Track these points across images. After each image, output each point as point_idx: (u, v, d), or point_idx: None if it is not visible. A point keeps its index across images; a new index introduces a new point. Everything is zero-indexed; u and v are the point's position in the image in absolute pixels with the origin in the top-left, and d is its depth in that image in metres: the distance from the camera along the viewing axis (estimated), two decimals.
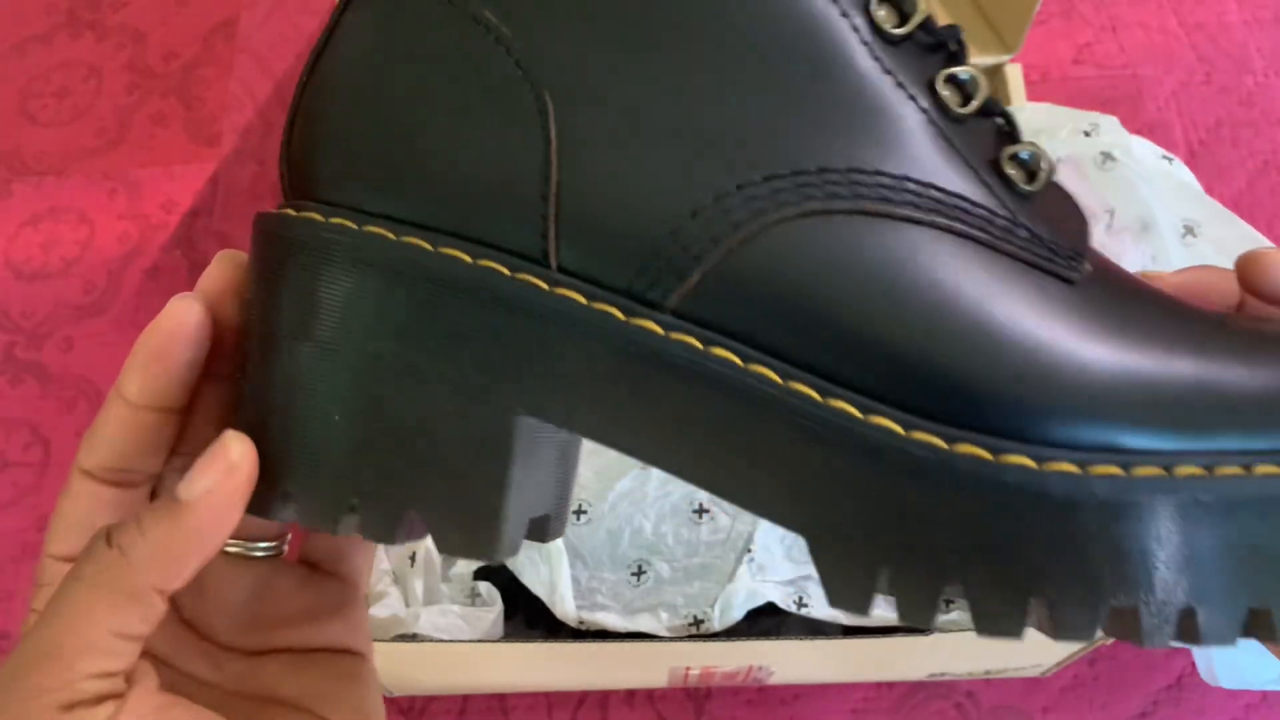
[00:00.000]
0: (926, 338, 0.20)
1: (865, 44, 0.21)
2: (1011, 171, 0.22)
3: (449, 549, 0.22)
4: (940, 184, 0.21)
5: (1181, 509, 0.19)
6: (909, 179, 0.21)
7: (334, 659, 0.25)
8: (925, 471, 0.20)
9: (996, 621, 0.19)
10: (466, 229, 0.21)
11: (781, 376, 0.20)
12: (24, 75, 0.71)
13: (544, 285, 0.21)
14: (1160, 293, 0.23)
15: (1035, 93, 0.62)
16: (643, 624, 0.46)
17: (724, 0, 0.21)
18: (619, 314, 0.21)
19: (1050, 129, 0.49)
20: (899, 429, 0.20)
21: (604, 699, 0.52)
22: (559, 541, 0.49)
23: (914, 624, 0.20)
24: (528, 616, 0.49)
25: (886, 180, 0.21)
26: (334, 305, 0.21)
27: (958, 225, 0.21)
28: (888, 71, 0.21)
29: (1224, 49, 0.68)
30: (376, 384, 0.21)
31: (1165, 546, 0.19)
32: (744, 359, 0.21)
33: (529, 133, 0.21)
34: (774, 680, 0.50)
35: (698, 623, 0.46)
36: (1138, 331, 0.21)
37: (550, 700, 0.53)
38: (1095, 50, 0.69)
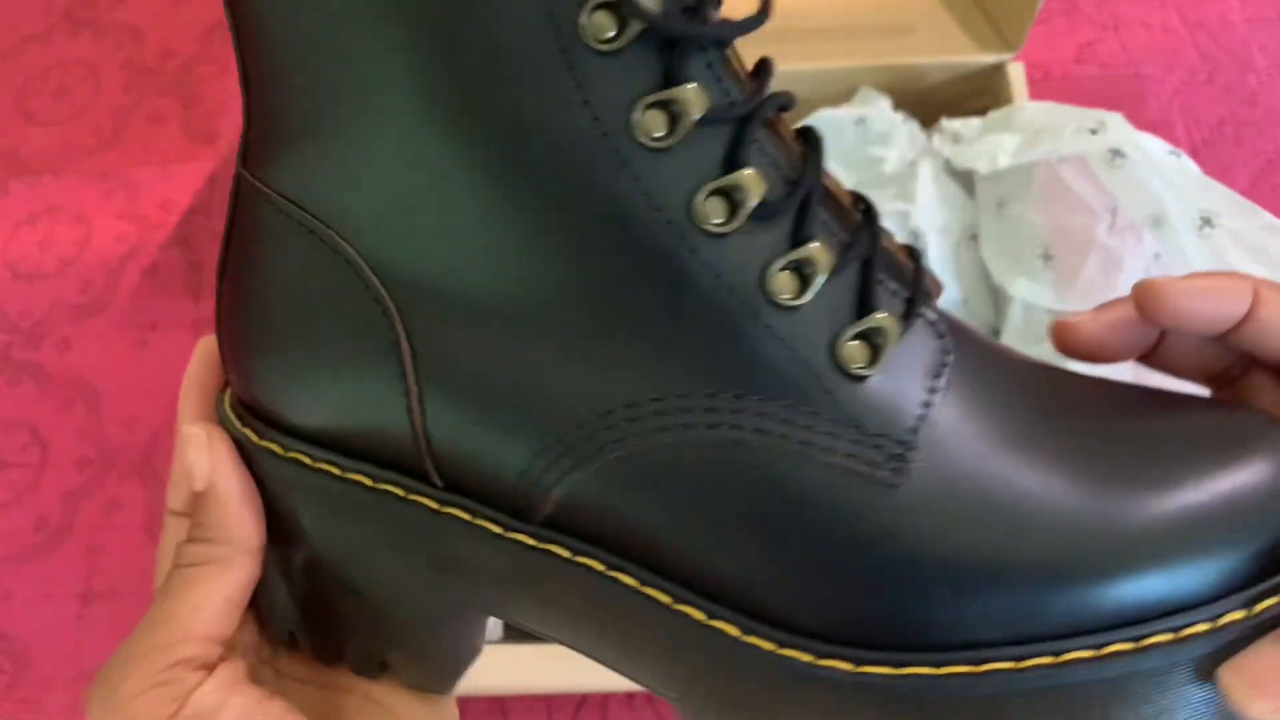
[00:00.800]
0: (748, 562, 0.22)
1: (691, 250, 0.21)
2: (851, 351, 0.21)
3: (413, 688, 0.27)
4: (763, 395, 0.21)
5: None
6: (731, 395, 0.21)
7: None
8: (752, 664, 0.22)
9: None
10: (363, 452, 0.24)
11: (640, 582, 0.22)
12: (21, 74, 0.71)
13: (434, 505, 0.23)
14: (1014, 430, 0.21)
15: (1037, 91, 0.62)
16: None
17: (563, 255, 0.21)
18: (497, 529, 0.23)
19: (1055, 128, 0.49)
20: (736, 632, 0.22)
21: (604, 701, 0.52)
22: None
23: None
24: None
25: (706, 404, 0.21)
26: (281, 516, 0.25)
27: (774, 443, 0.21)
28: (716, 276, 0.21)
29: (1227, 48, 0.68)
30: (333, 574, 0.25)
31: None
32: (608, 566, 0.23)
33: (395, 389, 0.23)
34: None
35: None
36: (969, 529, 0.21)
37: (550, 703, 0.52)
38: (1097, 49, 0.68)
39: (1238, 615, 0.19)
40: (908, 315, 0.22)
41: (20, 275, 0.64)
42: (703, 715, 0.23)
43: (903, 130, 0.55)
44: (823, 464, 0.21)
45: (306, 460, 0.24)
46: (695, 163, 0.21)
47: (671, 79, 0.20)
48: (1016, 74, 0.56)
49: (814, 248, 0.21)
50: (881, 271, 0.22)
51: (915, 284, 0.22)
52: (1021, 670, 0.20)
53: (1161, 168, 0.45)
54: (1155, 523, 0.20)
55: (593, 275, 0.21)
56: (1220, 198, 0.43)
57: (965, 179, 0.54)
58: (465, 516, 0.23)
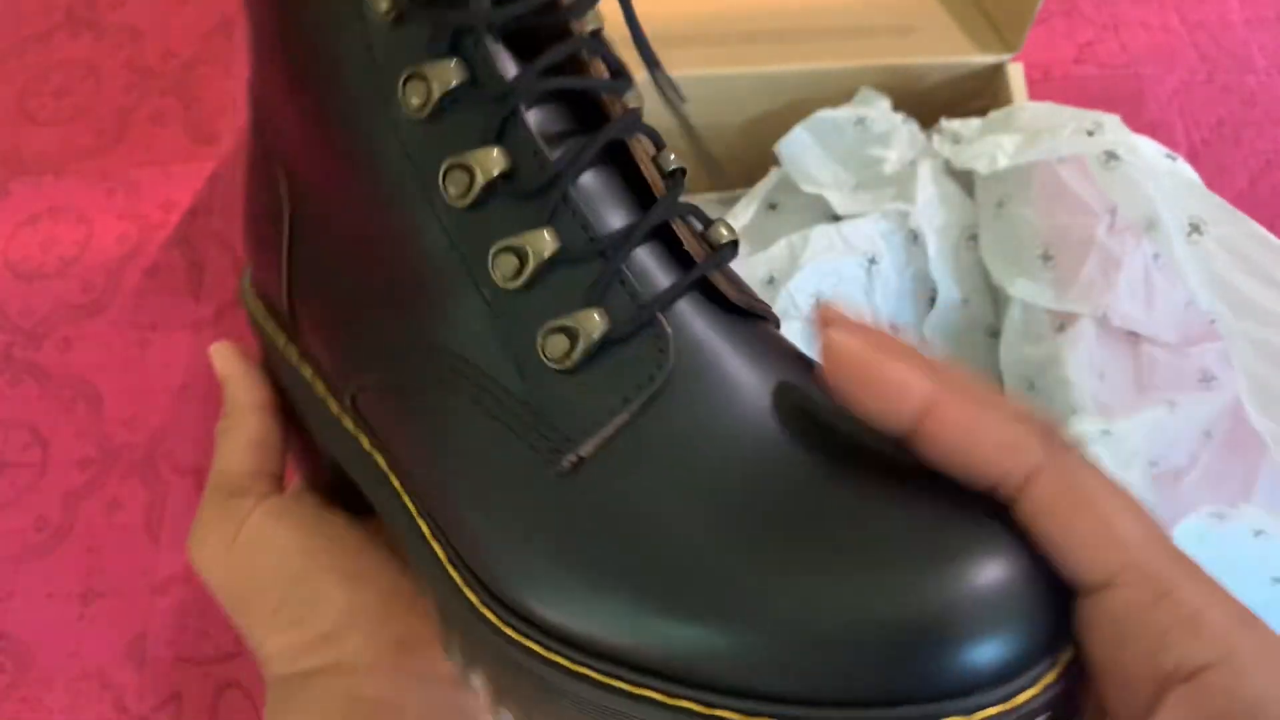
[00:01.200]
0: (446, 509, 0.24)
1: (437, 214, 0.23)
2: (551, 342, 0.22)
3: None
4: (470, 361, 0.23)
5: None
6: (448, 354, 0.23)
7: None
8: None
9: None
10: (284, 328, 0.31)
11: (401, 489, 0.25)
12: (22, 75, 0.71)
13: (308, 375, 0.29)
14: (700, 475, 0.20)
15: (1036, 92, 0.62)
16: None
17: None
18: (335, 408, 0.28)
19: (1052, 128, 0.49)
20: (443, 557, 0.24)
21: None
22: None
23: None
24: None
25: (426, 356, 0.23)
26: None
27: (469, 409, 0.23)
28: (451, 245, 0.23)
29: (1226, 48, 0.68)
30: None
31: None
32: (387, 464, 0.26)
33: (284, 284, 0.29)
34: None
35: None
36: (606, 548, 0.20)
37: None
38: (1097, 49, 0.69)
39: None
40: (635, 323, 0.22)
41: (21, 275, 0.64)
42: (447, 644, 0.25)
43: (902, 131, 0.55)
44: (505, 440, 0.22)
45: (265, 326, 0.31)
46: (449, 135, 0.22)
47: (431, 55, 0.22)
48: (1016, 74, 0.56)
49: (534, 235, 0.22)
50: (639, 274, 0.22)
51: (665, 296, 0.22)
52: (604, 684, 0.20)
53: (1155, 171, 0.45)
54: (790, 612, 0.18)
55: (377, 222, 0.24)
56: (1209, 205, 0.43)
57: (965, 179, 0.54)
58: (320, 392, 0.29)
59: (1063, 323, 0.49)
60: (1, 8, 0.73)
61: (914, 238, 0.52)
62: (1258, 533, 0.41)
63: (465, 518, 0.23)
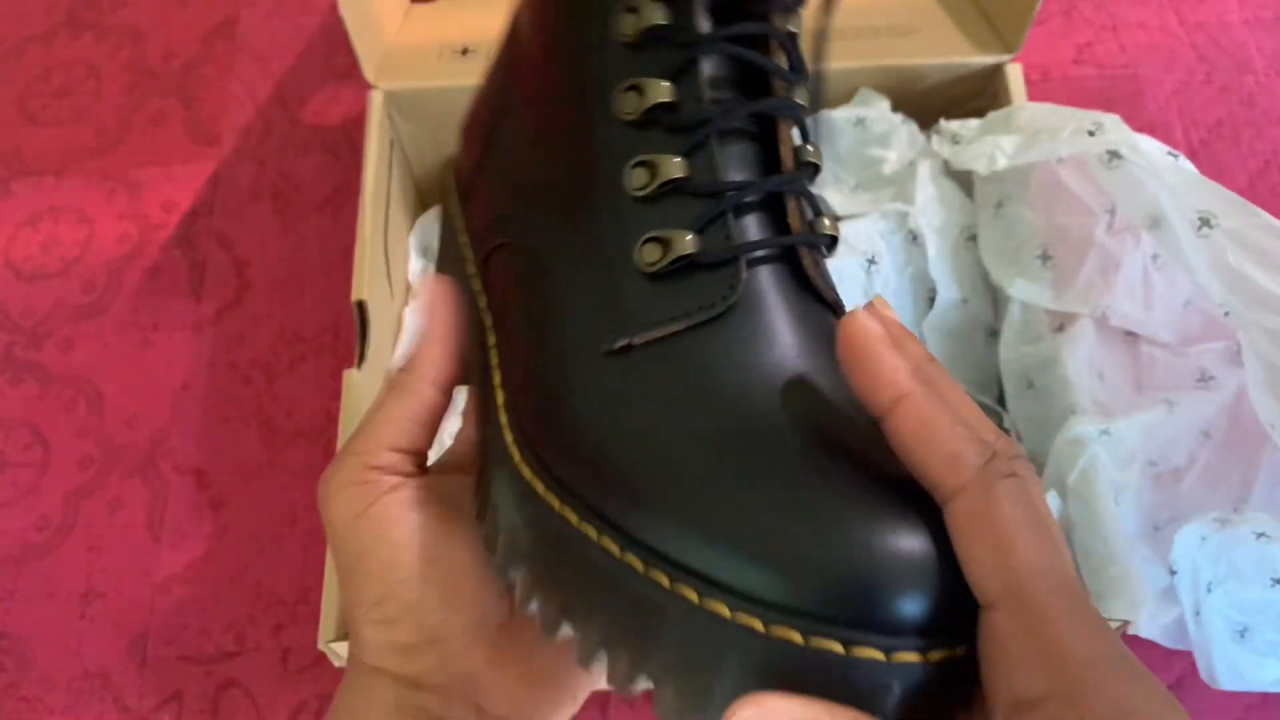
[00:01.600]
0: (522, 350, 0.28)
1: (604, 121, 0.27)
2: (647, 249, 0.26)
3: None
4: (586, 242, 0.27)
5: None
6: (572, 239, 0.27)
7: None
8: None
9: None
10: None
11: (492, 342, 0.29)
12: (23, 75, 0.71)
13: (464, 240, 0.34)
14: (706, 404, 0.24)
15: (1036, 92, 0.62)
16: None
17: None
18: (472, 265, 0.32)
19: (1052, 129, 0.49)
20: (500, 405, 0.28)
21: (604, 699, 0.52)
22: None
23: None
24: None
25: (564, 235, 0.27)
26: None
27: (582, 277, 0.27)
28: (612, 154, 0.26)
29: (1225, 49, 0.68)
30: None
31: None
32: (491, 323, 0.30)
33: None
34: None
35: None
36: (618, 441, 0.23)
37: None
38: (1096, 50, 0.69)
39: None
40: (719, 256, 0.25)
41: (23, 275, 0.64)
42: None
43: (902, 131, 0.55)
44: (582, 311, 0.26)
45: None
46: (638, 61, 0.26)
47: None
48: (1015, 75, 0.56)
49: (669, 159, 0.26)
50: (741, 225, 0.26)
51: (753, 245, 0.26)
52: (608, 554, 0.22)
53: (1158, 169, 0.45)
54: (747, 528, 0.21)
55: (562, 118, 0.28)
56: (1218, 198, 0.43)
57: (964, 179, 0.54)
58: (467, 254, 0.33)
59: (1062, 322, 0.49)
60: (2, 8, 0.73)
61: (913, 238, 0.52)
62: (1259, 535, 0.41)
63: (527, 365, 0.27)
